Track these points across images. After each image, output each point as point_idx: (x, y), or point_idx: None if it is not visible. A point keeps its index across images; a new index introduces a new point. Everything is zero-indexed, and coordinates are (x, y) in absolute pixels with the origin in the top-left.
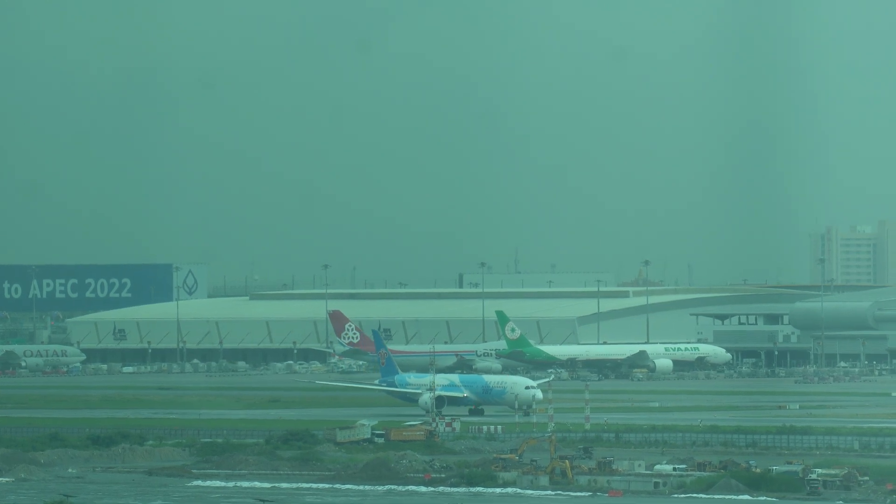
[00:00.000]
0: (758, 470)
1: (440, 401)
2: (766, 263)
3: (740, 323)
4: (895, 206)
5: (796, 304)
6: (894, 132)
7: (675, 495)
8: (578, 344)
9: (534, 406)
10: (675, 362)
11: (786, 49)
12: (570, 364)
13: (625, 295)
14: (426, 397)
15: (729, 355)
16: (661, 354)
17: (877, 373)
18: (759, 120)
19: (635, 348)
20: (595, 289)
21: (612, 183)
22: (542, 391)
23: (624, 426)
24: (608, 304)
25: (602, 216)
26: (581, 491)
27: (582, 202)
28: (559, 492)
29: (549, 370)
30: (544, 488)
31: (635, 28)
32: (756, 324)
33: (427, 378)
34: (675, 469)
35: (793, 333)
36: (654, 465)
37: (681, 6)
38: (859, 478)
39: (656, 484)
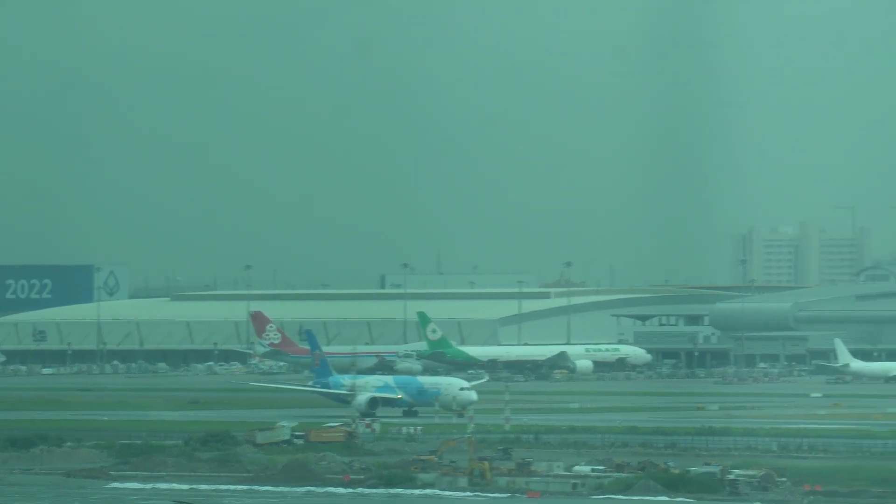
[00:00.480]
0: (676, 471)
1: (374, 402)
2: (687, 264)
3: (661, 324)
4: (816, 208)
5: (717, 305)
6: (815, 134)
7: (594, 496)
8: (499, 345)
9: (469, 407)
10: (596, 363)
11: (707, 51)
12: (491, 365)
13: (546, 296)
14: (360, 399)
15: (649, 356)
16: (582, 355)
17: (796, 374)
18: (680, 121)
19: (556, 349)
20: (517, 290)
21: (534, 184)
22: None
23: (543, 427)
24: (529, 306)
25: (524, 218)
26: (500, 492)
27: (504, 203)
28: (478, 493)
29: (470, 371)
30: (463, 489)
31: (559, 29)
32: (676, 325)
33: (361, 380)
34: (593, 470)
35: (713, 334)
36: (573, 466)
37: (604, 9)
38: (777, 479)
39: (575, 485)
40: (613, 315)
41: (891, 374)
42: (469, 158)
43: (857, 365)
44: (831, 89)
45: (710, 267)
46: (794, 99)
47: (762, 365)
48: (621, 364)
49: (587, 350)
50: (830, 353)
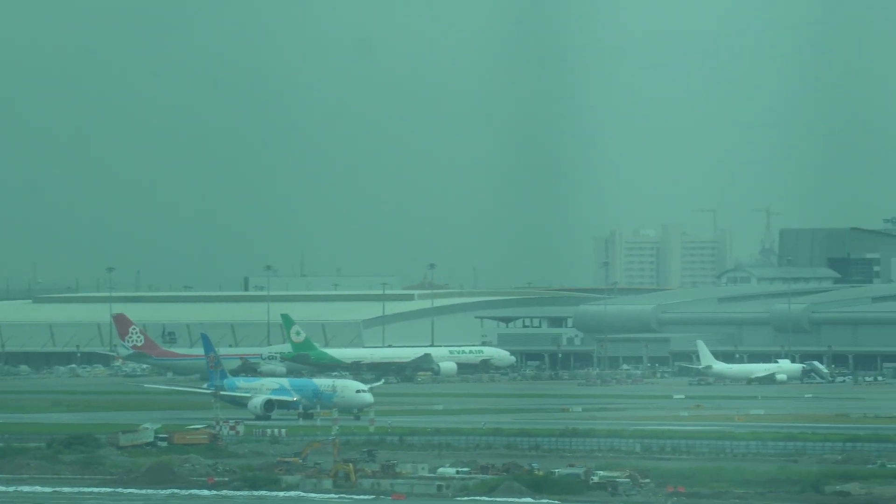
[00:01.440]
0: (540, 472)
1: (270, 405)
2: (550, 267)
3: (524, 326)
4: (678, 211)
5: (580, 307)
6: (677, 137)
7: (459, 498)
8: (363, 347)
9: (365, 409)
10: (460, 365)
11: (569, 55)
12: (355, 367)
13: (410, 298)
14: (255, 401)
15: (513, 358)
16: (446, 357)
17: (659, 375)
18: (543, 124)
19: (420, 351)
20: (380, 292)
21: (398, 186)
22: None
23: (408, 429)
24: (393, 308)
25: (388, 220)
26: (364, 494)
27: (367, 205)
28: (342, 495)
29: (334, 373)
30: (328, 491)
31: (420, 35)
32: (540, 326)
33: (257, 382)
34: (458, 472)
35: (576, 336)
36: (438, 468)
37: (465, 15)
38: (641, 480)
39: (439, 487)
40: (477, 317)
41: (752, 376)
42: (332, 161)
43: (719, 367)
44: (693, 94)
45: (573, 269)
46: (656, 103)
47: (625, 367)
48: (485, 366)
49: (451, 352)
50: (693, 355)
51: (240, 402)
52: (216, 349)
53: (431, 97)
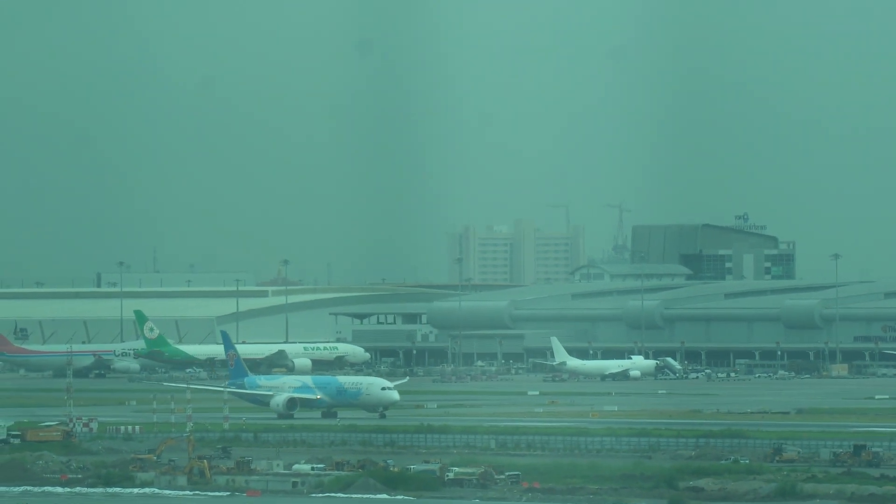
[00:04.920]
0: (395, 469)
1: (292, 403)
2: (404, 263)
3: (379, 322)
4: (531, 207)
5: (434, 304)
6: (529, 133)
7: (314, 495)
8: (217, 343)
9: (390, 408)
10: (314, 361)
11: (428, 52)
12: (210, 364)
13: (264, 294)
14: (278, 400)
15: (367, 354)
16: (300, 354)
17: (514, 371)
18: (396, 119)
19: (274, 348)
20: (234, 288)
21: (250, 182)
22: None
23: (262, 426)
24: (247, 304)
25: (240, 215)
26: (219, 491)
27: (219, 202)
28: (197, 492)
29: (188, 370)
30: (182, 488)
31: (289, 28)
32: (394, 323)
33: (279, 380)
34: (313, 468)
35: (431, 333)
36: (293, 464)
37: (319, 15)
38: (495, 476)
39: (294, 483)
40: (331, 313)
41: (606, 372)
42: (183, 157)
43: (574, 363)
44: (544, 88)
45: (427, 265)
46: (508, 100)
47: (480, 363)
48: (340, 362)
49: (305, 348)
50: (547, 351)
51: (261, 401)
52: (71, 345)
53: (284, 94)
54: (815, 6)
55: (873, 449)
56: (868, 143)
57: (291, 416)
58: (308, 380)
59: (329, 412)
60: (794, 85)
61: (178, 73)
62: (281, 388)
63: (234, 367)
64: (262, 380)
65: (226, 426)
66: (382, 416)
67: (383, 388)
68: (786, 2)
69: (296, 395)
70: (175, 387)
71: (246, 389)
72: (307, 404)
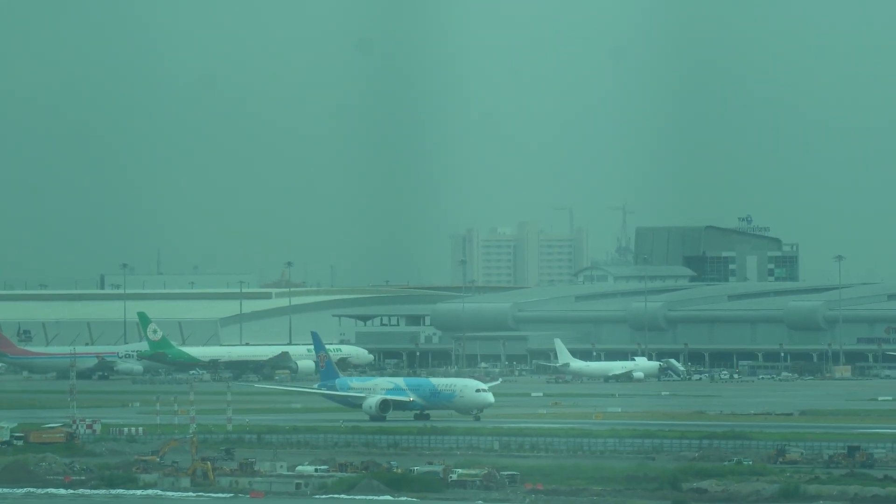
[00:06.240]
0: (399, 470)
1: (385, 405)
2: (408, 265)
3: (382, 324)
4: (535, 209)
5: (438, 306)
6: (533, 133)
7: (317, 496)
8: (221, 345)
9: (484, 410)
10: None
11: (432, 54)
12: (213, 365)
13: (267, 296)
14: (370, 401)
15: (371, 356)
16: (304, 356)
17: (517, 373)
18: (399, 121)
19: (278, 349)
20: (237, 290)
21: (253, 184)
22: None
23: (266, 427)
24: (251, 306)
25: (243, 217)
26: (223, 492)
27: (222, 204)
28: (200, 493)
29: (192, 372)
30: (186, 490)
31: (290, 28)
32: (398, 325)
33: (371, 382)
34: (316, 470)
35: (435, 334)
36: (296, 466)
37: (323, 17)
38: (499, 477)
39: (298, 485)
40: (335, 315)
41: (610, 374)
42: (184, 160)
43: (577, 364)
44: (547, 92)
45: (430, 267)
46: (510, 101)
47: (483, 365)
48: (343, 364)
49: (309, 350)
50: (550, 353)
51: (353, 403)
52: (74, 347)
53: (287, 95)
54: (817, 6)
55: (873, 451)
56: (872, 145)
57: (384, 419)
58: (401, 381)
59: (422, 414)
60: (797, 85)
61: (181, 76)
62: (373, 389)
63: (325, 369)
64: (354, 381)
65: (229, 427)
66: (477, 419)
67: (477, 391)
68: (788, 1)
69: (388, 396)
70: (271, 388)
71: (337, 391)
72: (400, 406)
